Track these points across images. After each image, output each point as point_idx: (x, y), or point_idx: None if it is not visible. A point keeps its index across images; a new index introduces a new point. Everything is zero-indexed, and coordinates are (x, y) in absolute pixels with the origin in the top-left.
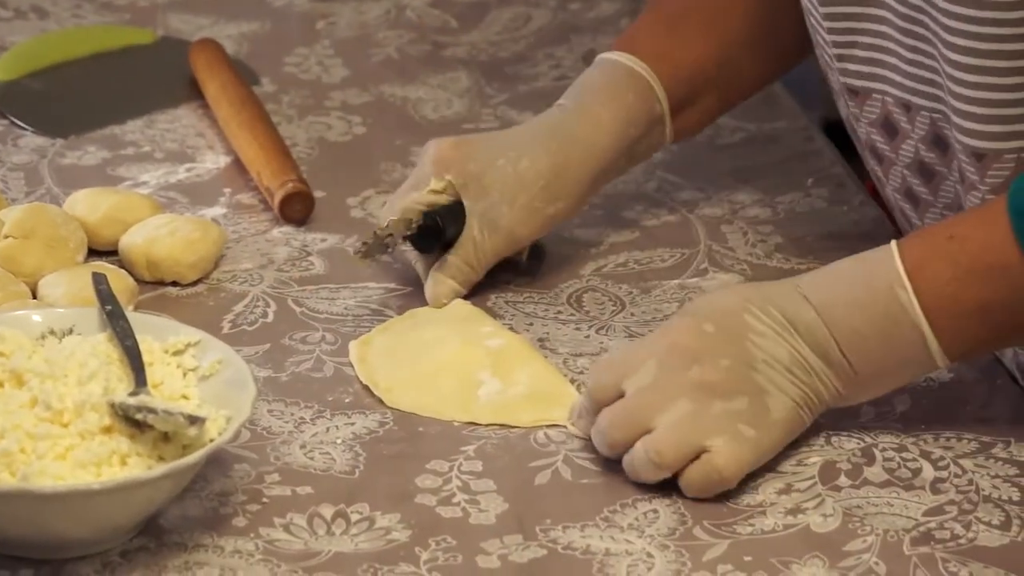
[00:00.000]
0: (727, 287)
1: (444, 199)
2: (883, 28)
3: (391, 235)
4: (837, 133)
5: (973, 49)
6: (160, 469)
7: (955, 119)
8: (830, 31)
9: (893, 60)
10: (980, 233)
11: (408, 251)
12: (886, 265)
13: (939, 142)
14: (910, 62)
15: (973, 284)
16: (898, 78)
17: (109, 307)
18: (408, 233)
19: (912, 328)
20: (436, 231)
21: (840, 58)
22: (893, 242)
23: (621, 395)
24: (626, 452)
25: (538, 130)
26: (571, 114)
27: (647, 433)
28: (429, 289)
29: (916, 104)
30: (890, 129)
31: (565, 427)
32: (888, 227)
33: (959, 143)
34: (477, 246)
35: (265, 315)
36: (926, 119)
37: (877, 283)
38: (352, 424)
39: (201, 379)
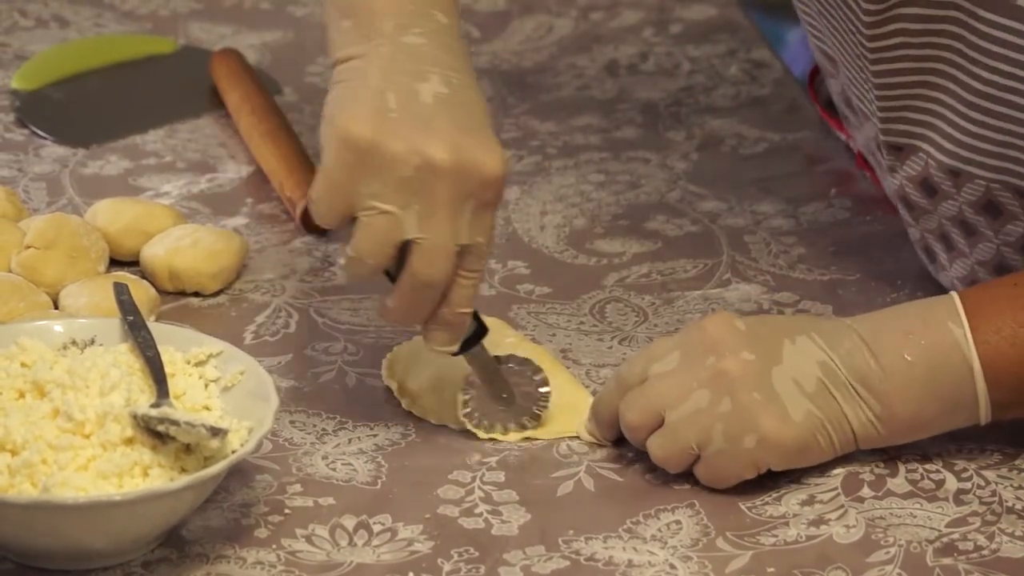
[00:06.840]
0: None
1: None
2: (944, 98)
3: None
4: None
5: None
6: (182, 481)
7: None
8: (879, 87)
9: (949, 129)
10: None
11: None
12: (944, 303)
13: (991, 208)
14: (970, 134)
15: None
16: (950, 146)
17: (131, 317)
18: None
19: (962, 362)
20: None
21: (885, 120)
22: (954, 292)
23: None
24: (646, 436)
25: None
26: None
27: (660, 420)
28: None
29: (968, 172)
30: (929, 188)
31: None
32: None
33: None
34: None
35: (287, 326)
36: (980, 187)
37: (931, 317)
38: (374, 435)
39: (223, 390)
